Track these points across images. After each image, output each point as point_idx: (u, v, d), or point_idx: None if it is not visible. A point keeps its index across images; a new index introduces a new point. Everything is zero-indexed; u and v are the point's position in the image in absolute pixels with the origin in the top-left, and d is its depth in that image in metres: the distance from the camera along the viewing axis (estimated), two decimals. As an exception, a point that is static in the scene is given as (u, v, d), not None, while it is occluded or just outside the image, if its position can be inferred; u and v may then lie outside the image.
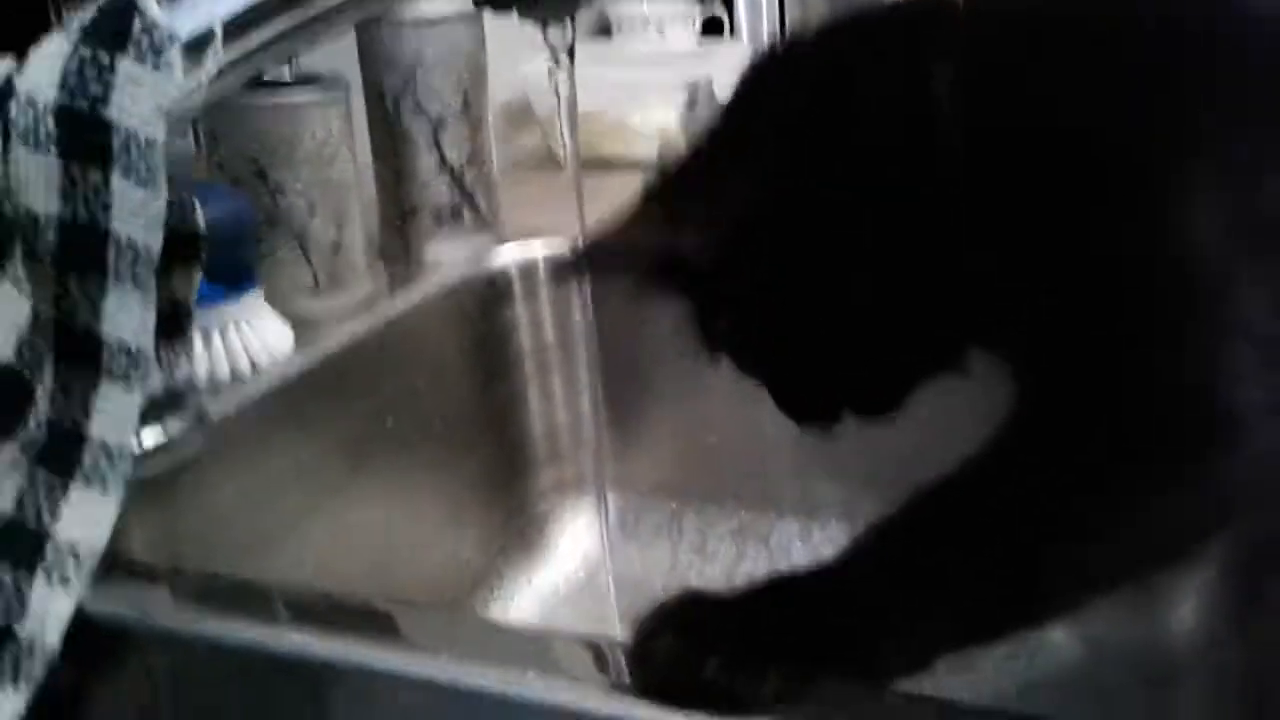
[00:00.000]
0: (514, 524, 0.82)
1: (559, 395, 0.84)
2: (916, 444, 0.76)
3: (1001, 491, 0.37)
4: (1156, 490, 0.37)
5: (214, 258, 0.60)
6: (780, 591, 0.38)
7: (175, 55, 0.43)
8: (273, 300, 0.67)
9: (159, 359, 0.55)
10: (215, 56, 0.44)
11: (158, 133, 0.44)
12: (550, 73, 0.48)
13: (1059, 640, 0.66)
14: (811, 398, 0.50)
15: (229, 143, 0.68)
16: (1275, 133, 0.40)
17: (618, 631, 0.70)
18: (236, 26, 0.45)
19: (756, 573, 0.78)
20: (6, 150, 0.43)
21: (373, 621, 0.41)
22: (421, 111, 0.77)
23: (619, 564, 0.82)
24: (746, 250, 0.46)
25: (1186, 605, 0.68)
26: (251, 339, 0.63)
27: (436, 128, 0.77)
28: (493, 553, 0.79)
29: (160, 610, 0.44)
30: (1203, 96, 0.40)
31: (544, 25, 0.47)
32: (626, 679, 0.36)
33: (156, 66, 0.43)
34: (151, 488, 0.55)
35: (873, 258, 0.44)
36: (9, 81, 0.44)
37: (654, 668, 0.36)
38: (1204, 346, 0.37)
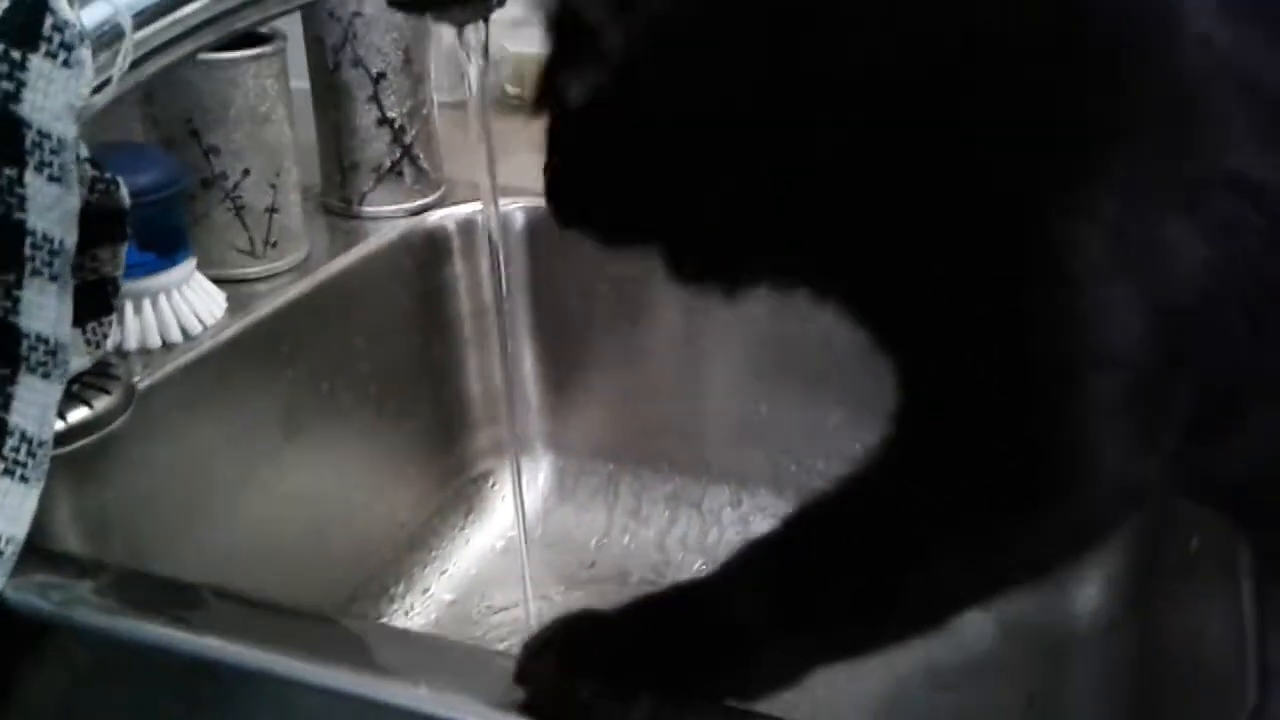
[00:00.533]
0: (451, 485, 0.83)
1: (498, 358, 0.84)
2: (840, 420, 0.78)
3: (872, 513, 0.39)
4: (1016, 516, 0.38)
5: (145, 225, 0.60)
6: (664, 610, 0.40)
7: (86, 53, 0.43)
8: (207, 264, 0.67)
9: (86, 335, 0.55)
10: (125, 53, 0.44)
11: (69, 130, 0.43)
12: (464, 72, 0.48)
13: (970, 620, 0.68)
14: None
15: (161, 101, 0.66)
16: (1149, 150, 0.40)
17: (530, 596, 0.71)
18: (155, 12, 0.44)
19: (689, 537, 0.82)
20: (-85, 145, 0.43)
21: (284, 628, 0.43)
22: (361, 65, 0.76)
23: (555, 524, 0.84)
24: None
25: (1093, 587, 0.71)
26: (183, 306, 0.63)
27: (376, 81, 0.76)
28: (429, 513, 0.81)
29: (81, 605, 0.44)
30: (1082, 113, 0.40)
31: (459, 28, 0.46)
32: (511, 696, 0.38)
33: (68, 64, 0.42)
34: (79, 460, 0.55)
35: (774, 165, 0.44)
36: (-84, 74, 0.43)
37: (534, 688, 0.38)
38: (1070, 374, 0.38)
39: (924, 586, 0.38)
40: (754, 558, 0.39)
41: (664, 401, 0.83)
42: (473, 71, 0.48)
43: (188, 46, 0.44)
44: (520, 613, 0.76)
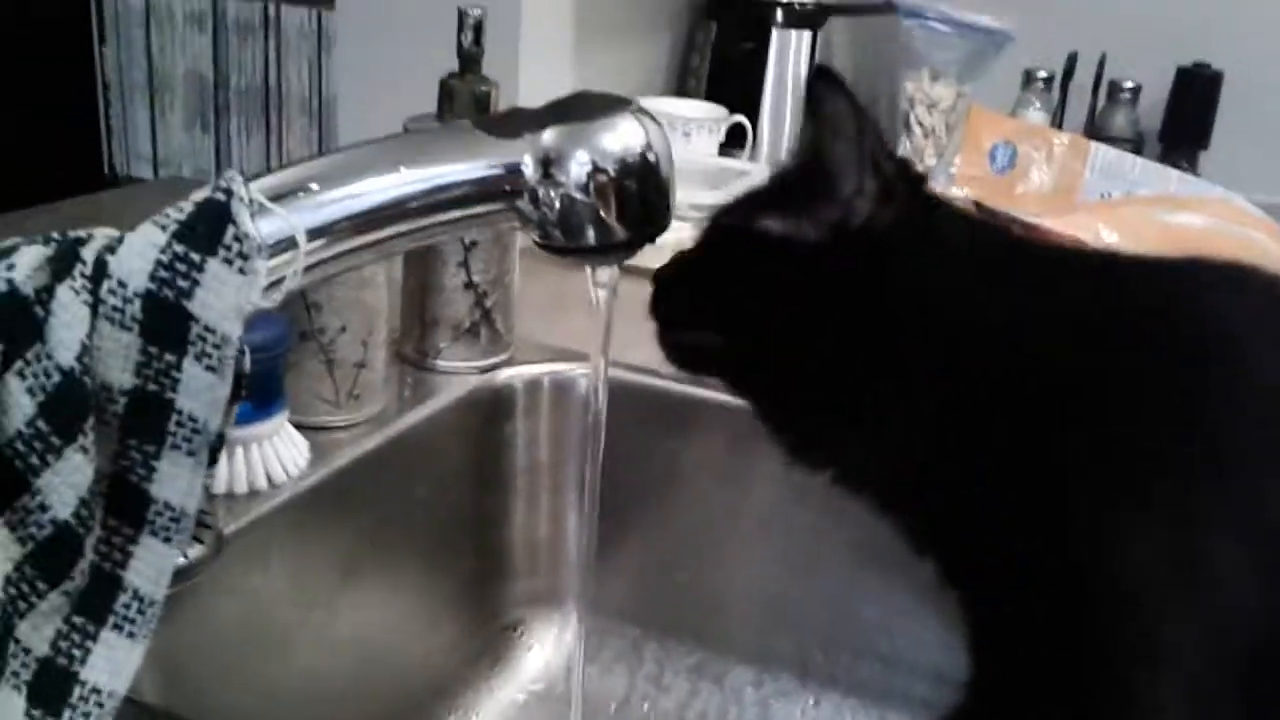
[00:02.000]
0: (483, 634, 0.85)
1: (544, 512, 0.87)
2: (872, 616, 0.81)
3: None
4: None
5: (250, 379, 0.63)
6: None
7: (261, 264, 0.47)
8: (293, 410, 0.70)
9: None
10: (297, 264, 0.48)
11: (234, 329, 0.47)
12: (594, 301, 0.52)
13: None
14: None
15: (272, 253, 0.71)
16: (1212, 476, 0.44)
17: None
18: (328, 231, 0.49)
19: (709, 713, 0.84)
20: (93, 325, 0.47)
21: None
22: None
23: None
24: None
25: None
26: (271, 455, 0.67)
27: (468, 249, 0.81)
28: (458, 661, 0.83)
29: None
30: (1163, 428, 0.45)
31: (593, 269, 0.51)
32: None
33: (243, 271, 0.46)
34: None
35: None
36: (102, 261, 0.47)
37: None
38: (1128, 673, 0.42)
39: None
40: None
41: (696, 575, 0.86)
42: (601, 295, 0.52)
43: (354, 261, 0.48)
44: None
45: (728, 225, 0.54)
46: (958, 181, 1.20)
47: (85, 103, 2.02)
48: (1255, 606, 0.42)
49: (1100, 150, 1.19)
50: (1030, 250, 0.54)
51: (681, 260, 0.54)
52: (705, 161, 1.24)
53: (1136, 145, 1.43)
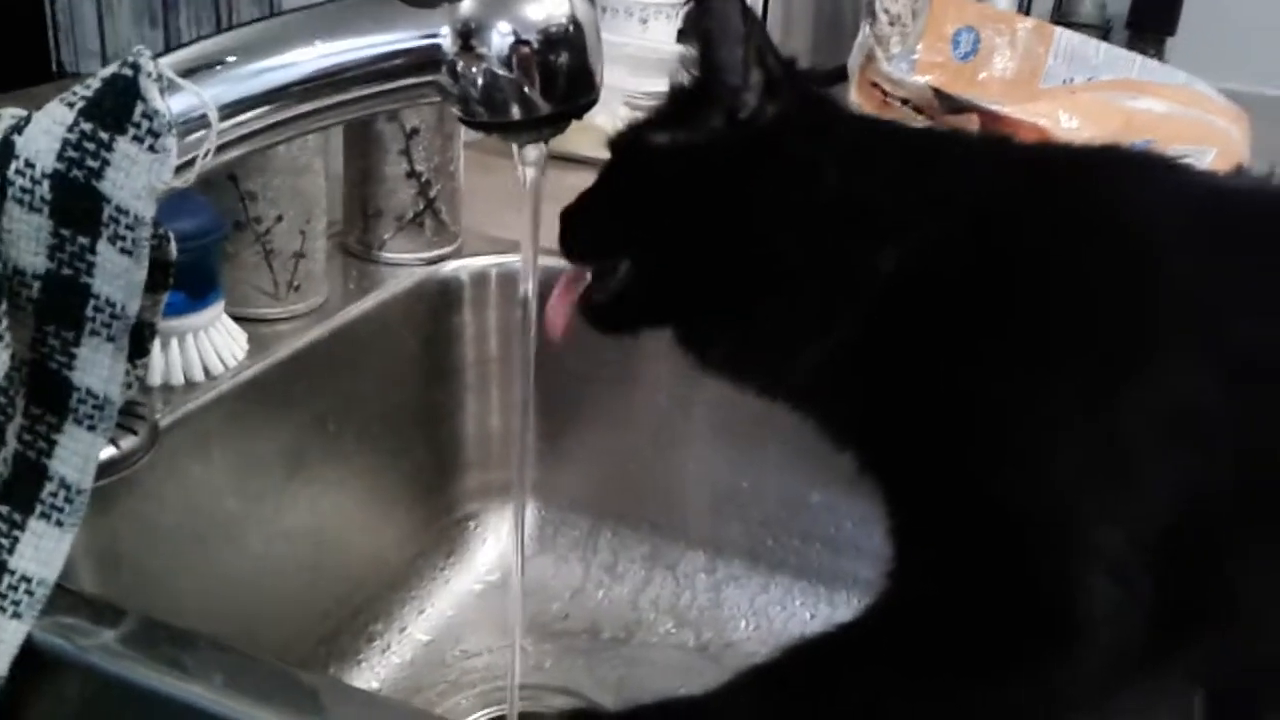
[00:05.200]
0: (437, 525, 0.86)
1: (495, 404, 0.87)
2: (819, 500, 0.82)
3: (864, 663, 0.43)
4: (1003, 674, 0.42)
5: (181, 268, 0.62)
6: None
7: (171, 140, 0.45)
8: (231, 303, 0.69)
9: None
10: (209, 142, 0.46)
11: (147, 209, 0.46)
12: (521, 178, 0.51)
13: None
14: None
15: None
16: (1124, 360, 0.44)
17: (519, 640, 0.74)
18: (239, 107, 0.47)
19: (662, 598, 0.85)
20: (1, 207, 0.45)
21: (289, 691, 0.46)
22: (396, 119, 0.78)
23: (532, 572, 0.87)
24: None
25: None
26: (208, 346, 0.66)
27: (409, 136, 0.79)
28: (413, 553, 0.83)
29: (102, 651, 0.47)
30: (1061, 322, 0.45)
31: (519, 146, 0.49)
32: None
33: (153, 149, 0.45)
34: (97, 497, 0.57)
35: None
36: (9, 142, 0.45)
37: None
38: (1056, 565, 0.42)
39: None
40: (749, 687, 0.43)
41: (649, 464, 0.86)
42: (528, 174, 0.51)
43: (270, 139, 0.46)
44: (491, 660, 0.79)
45: (624, 147, 0.53)
46: (919, 69, 1.18)
47: (29, -3, 1.95)
48: (1171, 486, 0.42)
49: (1064, 36, 1.17)
50: (921, 139, 0.55)
51: (585, 194, 0.54)
52: (663, 49, 1.21)
53: (1104, 31, 1.40)
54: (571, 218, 0.54)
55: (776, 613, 0.84)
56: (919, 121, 1.06)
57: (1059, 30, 1.17)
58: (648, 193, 0.51)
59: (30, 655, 0.47)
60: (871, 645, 0.43)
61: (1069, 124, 1.04)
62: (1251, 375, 0.43)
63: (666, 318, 0.54)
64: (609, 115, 1.01)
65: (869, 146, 0.51)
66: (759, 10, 1.33)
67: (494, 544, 0.88)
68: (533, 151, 0.50)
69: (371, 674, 0.77)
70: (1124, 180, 0.48)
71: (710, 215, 0.48)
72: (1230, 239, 0.46)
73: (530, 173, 0.51)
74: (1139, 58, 1.16)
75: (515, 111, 0.47)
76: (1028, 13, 1.41)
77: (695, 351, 0.54)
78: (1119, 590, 0.41)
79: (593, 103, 0.50)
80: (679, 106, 0.53)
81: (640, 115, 0.55)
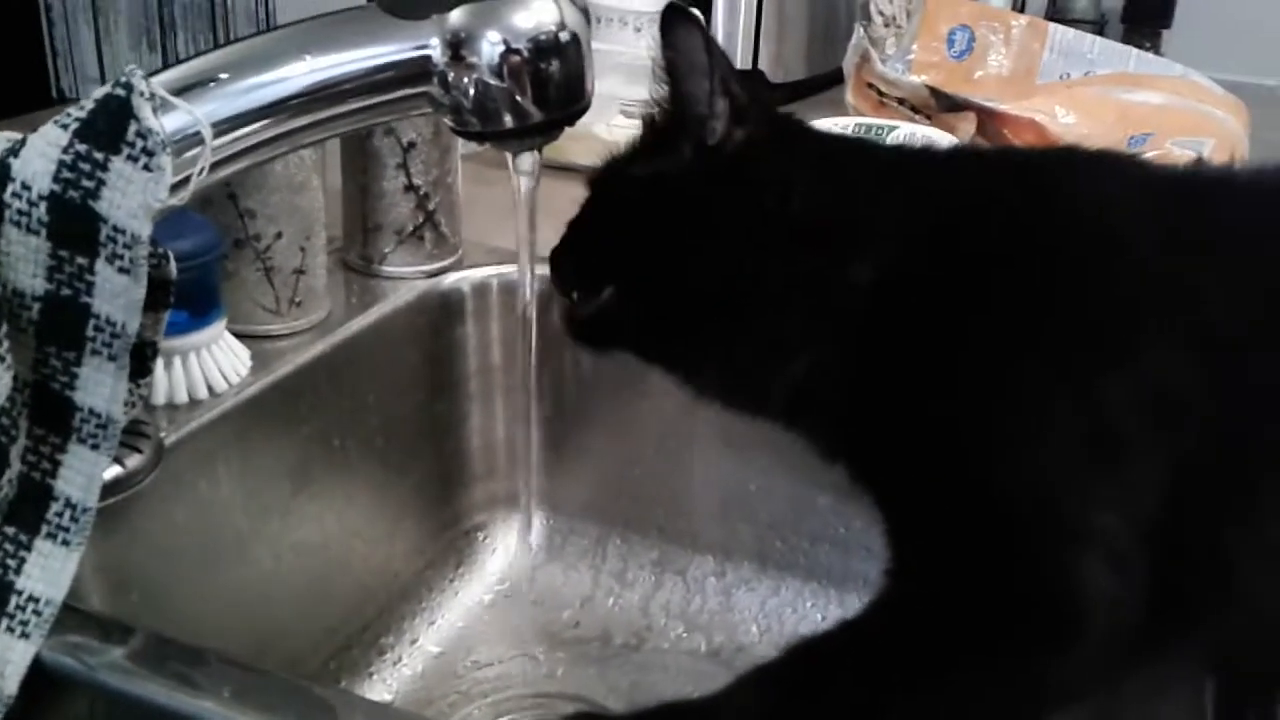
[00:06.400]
0: (445, 537, 0.86)
1: (500, 415, 0.87)
2: (827, 503, 0.81)
3: (865, 662, 0.43)
4: (996, 677, 0.42)
5: (182, 286, 0.62)
6: None
7: (166, 159, 0.45)
8: (232, 319, 0.69)
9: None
10: (204, 159, 0.46)
11: (144, 228, 0.46)
12: (516, 188, 0.51)
13: None
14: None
15: (202, 160, 0.69)
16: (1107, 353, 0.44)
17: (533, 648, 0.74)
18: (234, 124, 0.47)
19: (672, 603, 0.85)
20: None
21: (300, 705, 0.46)
22: (393, 133, 0.79)
23: (542, 581, 0.87)
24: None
25: None
26: (211, 364, 0.66)
27: (406, 150, 0.79)
28: (422, 565, 0.83)
29: (112, 670, 0.47)
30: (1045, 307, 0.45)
31: (513, 155, 0.50)
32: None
33: (148, 168, 0.45)
34: (105, 516, 0.58)
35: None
36: (4, 165, 0.45)
37: None
38: (1049, 554, 0.42)
39: None
40: (750, 687, 0.43)
41: (656, 469, 0.86)
42: (523, 183, 0.51)
43: (264, 154, 0.47)
44: (502, 669, 0.79)
45: (602, 181, 0.55)
46: (915, 69, 1.18)
47: (29, 25, 1.97)
48: (1160, 469, 0.42)
49: (1059, 31, 1.17)
50: (887, 153, 0.57)
51: (568, 230, 0.55)
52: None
53: (1099, 26, 1.41)
54: (559, 255, 0.55)
55: (787, 615, 0.84)
56: (918, 121, 1.06)
57: (1054, 26, 1.17)
58: (624, 223, 0.53)
59: (39, 675, 0.48)
60: (870, 641, 0.43)
61: (1066, 119, 1.04)
62: (1227, 353, 0.43)
63: (649, 343, 0.55)
64: (605, 124, 1.02)
65: (836, 164, 0.52)
66: (753, 14, 1.34)
67: (503, 554, 0.88)
68: (527, 160, 0.50)
69: (383, 686, 0.77)
70: (1086, 175, 0.49)
71: (683, 242, 0.50)
72: (1194, 224, 0.47)
73: (524, 181, 0.51)
74: (1135, 51, 1.16)
75: (507, 120, 0.47)
76: (1022, 10, 1.41)
77: (681, 378, 0.55)
78: (1114, 576, 0.41)
79: (585, 109, 0.50)
80: (652, 138, 0.54)
81: (616, 151, 0.57)
